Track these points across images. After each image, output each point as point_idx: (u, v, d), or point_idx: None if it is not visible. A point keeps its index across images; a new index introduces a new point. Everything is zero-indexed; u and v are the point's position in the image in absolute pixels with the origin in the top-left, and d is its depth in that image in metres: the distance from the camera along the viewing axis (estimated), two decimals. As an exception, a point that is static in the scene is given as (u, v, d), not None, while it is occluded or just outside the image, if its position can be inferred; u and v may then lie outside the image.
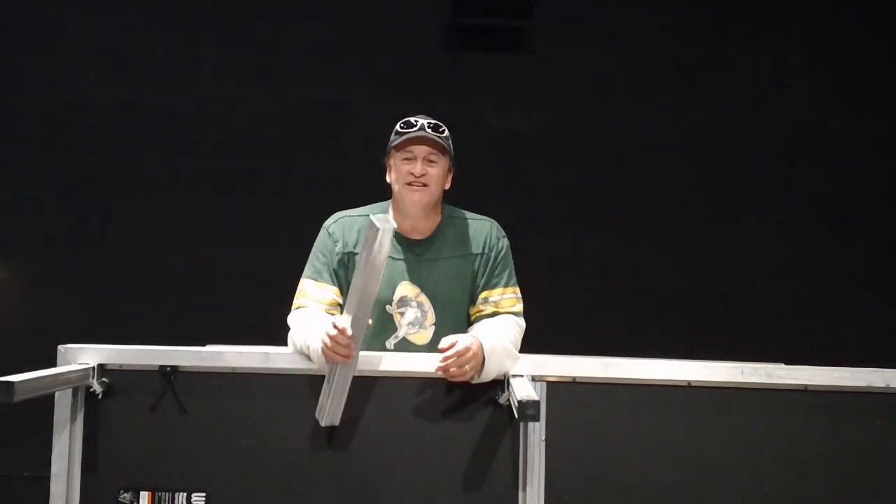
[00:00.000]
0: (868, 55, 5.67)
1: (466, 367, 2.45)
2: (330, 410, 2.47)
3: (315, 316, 2.63)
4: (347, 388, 2.47)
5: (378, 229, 2.36)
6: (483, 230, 2.80)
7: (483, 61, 5.63)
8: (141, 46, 5.52)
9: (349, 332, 2.39)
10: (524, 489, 2.52)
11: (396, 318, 2.73)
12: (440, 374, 2.47)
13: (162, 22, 5.54)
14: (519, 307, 2.77)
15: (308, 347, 2.51)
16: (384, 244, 2.39)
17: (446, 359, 2.45)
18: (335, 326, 2.40)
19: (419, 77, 5.55)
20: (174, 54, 5.53)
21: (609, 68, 5.63)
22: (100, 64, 5.51)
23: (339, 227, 2.77)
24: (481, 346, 2.48)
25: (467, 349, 2.45)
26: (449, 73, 5.60)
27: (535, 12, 5.42)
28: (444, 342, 2.47)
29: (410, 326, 2.72)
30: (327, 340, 2.40)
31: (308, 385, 2.53)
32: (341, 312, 2.69)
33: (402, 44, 5.58)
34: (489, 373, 2.50)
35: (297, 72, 5.56)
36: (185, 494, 2.51)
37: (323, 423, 2.49)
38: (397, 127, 2.77)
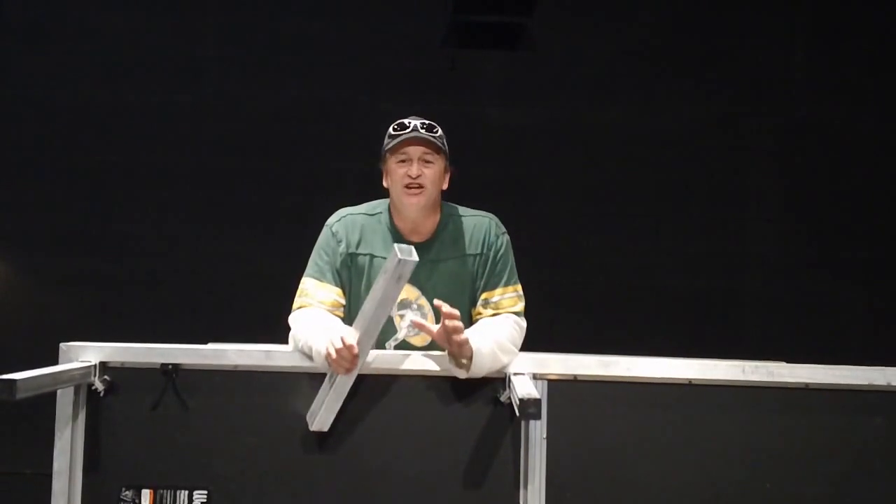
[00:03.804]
0: (869, 54, 5.67)
1: (462, 335, 2.44)
2: (322, 415, 2.48)
3: (320, 317, 2.62)
4: (343, 397, 2.48)
5: (399, 261, 2.35)
6: (482, 228, 2.76)
7: (483, 58, 5.63)
8: (141, 45, 5.53)
9: (356, 350, 2.42)
10: (525, 487, 2.52)
11: (396, 320, 2.71)
12: (445, 318, 2.45)
13: (163, 21, 5.55)
14: (520, 306, 2.73)
15: (311, 348, 2.51)
16: (403, 276, 2.39)
17: (451, 316, 2.44)
18: (343, 341, 2.41)
19: (420, 74, 5.56)
20: (175, 53, 5.54)
21: (609, 65, 5.64)
22: (100, 63, 5.52)
23: (343, 226, 2.75)
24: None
25: (461, 328, 2.46)
26: (449, 70, 5.60)
27: (536, 9, 5.42)
28: (446, 308, 2.46)
29: (410, 329, 2.70)
30: (332, 352, 2.41)
31: (309, 383, 2.52)
32: (343, 313, 2.70)
33: (403, 41, 5.58)
34: (481, 367, 2.49)
35: (297, 70, 5.57)
36: (186, 492, 2.51)
37: (312, 427, 2.49)
38: (390, 130, 2.74)
